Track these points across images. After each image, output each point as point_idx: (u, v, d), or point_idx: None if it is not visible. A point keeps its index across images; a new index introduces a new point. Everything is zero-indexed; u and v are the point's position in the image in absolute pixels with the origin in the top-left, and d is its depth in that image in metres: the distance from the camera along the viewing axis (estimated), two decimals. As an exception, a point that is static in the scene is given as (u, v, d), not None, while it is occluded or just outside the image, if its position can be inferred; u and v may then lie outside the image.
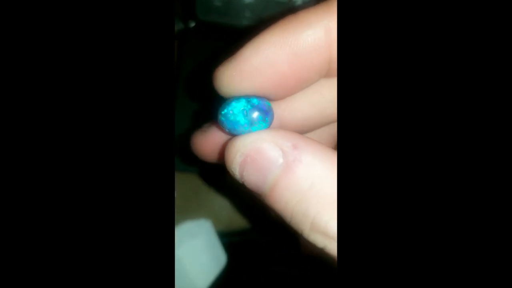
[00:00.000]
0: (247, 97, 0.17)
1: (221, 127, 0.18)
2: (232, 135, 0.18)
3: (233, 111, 0.17)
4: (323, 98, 0.20)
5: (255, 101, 0.17)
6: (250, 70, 0.17)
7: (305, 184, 0.15)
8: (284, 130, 0.16)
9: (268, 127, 0.18)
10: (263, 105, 0.17)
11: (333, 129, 0.23)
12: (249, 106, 0.17)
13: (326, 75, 0.18)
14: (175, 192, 0.37)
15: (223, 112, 0.17)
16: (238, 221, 0.39)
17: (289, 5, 0.33)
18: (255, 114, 0.17)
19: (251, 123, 0.17)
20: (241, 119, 0.17)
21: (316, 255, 0.27)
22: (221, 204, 0.39)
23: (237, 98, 0.18)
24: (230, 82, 0.17)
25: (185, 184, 0.39)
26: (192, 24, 0.36)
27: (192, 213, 0.38)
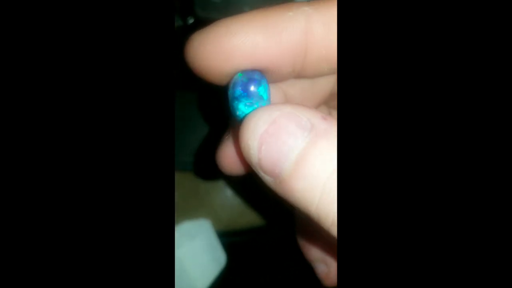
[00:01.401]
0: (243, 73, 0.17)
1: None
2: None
3: (233, 90, 0.16)
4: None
5: (247, 73, 0.17)
6: (225, 43, 0.16)
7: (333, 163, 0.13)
8: (307, 106, 0.15)
9: (268, 95, 0.17)
10: (253, 73, 0.17)
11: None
12: (244, 79, 0.16)
13: (298, 75, 0.18)
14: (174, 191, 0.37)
15: (235, 104, 0.17)
16: (237, 221, 0.39)
17: (287, 1, 0.33)
18: (251, 84, 0.16)
19: (249, 94, 0.16)
20: (239, 92, 0.16)
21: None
22: (221, 204, 0.39)
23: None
24: (205, 53, 0.16)
25: (184, 184, 0.39)
26: (191, 21, 0.36)
27: (191, 213, 0.38)
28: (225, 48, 0.16)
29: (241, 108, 0.16)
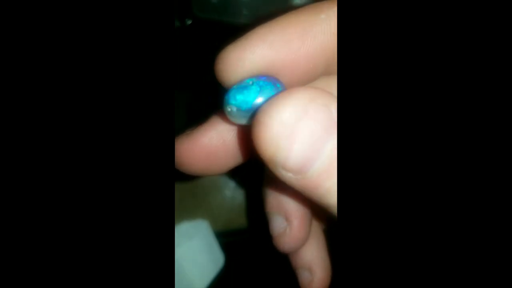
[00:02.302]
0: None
1: (225, 118, 0.16)
2: (242, 123, 0.16)
3: (241, 88, 0.15)
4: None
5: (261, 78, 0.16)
6: (257, 52, 0.16)
7: None
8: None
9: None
10: (269, 77, 0.16)
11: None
12: (257, 80, 0.16)
13: (326, 72, 0.18)
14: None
15: (230, 94, 0.15)
16: (235, 221, 0.39)
17: (287, 2, 0.33)
18: (266, 86, 0.15)
19: (262, 92, 0.15)
20: (252, 92, 0.15)
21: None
22: (219, 204, 0.39)
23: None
24: (235, 67, 0.16)
25: (182, 184, 0.39)
26: (189, 22, 0.36)
27: (189, 214, 0.38)
28: (263, 60, 0.16)
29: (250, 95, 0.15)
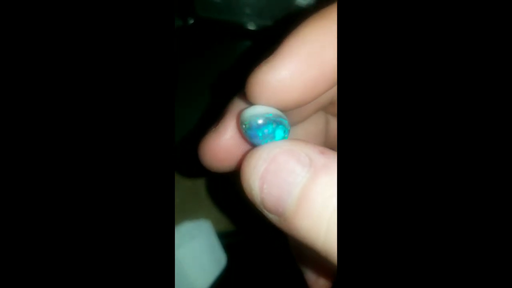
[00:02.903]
0: (267, 110, 0.16)
1: (240, 130, 0.17)
2: (252, 144, 0.17)
3: (255, 123, 0.16)
4: None
5: (276, 114, 0.16)
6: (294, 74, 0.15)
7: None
8: (305, 141, 0.15)
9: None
10: (283, 119, 0.16)
11: (320, 123, 0.22)
12: (271, 121, 0.16)
13: None
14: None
15: (246, 122, 0.16)
16: (238, 221, 0.39)
17: (291, 2, 0.33)
18: (277, 129, 0.16)
19: (272, 136, 0.16)
20: (262, 132, 0.16)
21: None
22: (221, 204, 0.39)
23: (256, 108, 0.17)
24: (268, 90, 0.16)
25: (183, 184, 0.39)
26: (191, 21, 0.36)
27: (191, 213, 0.38)
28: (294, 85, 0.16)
29: (259, 140, 0.16)
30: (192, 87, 0.36)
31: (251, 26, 0.34)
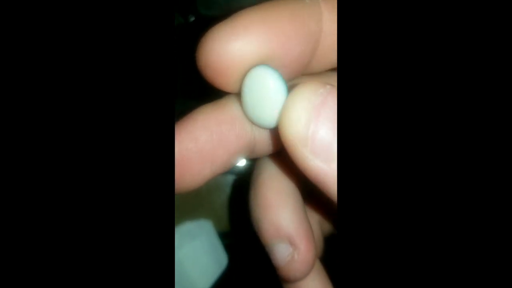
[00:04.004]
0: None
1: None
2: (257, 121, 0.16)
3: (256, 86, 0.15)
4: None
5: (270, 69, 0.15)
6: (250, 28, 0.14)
7: None
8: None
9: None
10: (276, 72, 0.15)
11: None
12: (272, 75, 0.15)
13: (305, 70, 0.17)
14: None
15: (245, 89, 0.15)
16: (239, 221, 0.39)
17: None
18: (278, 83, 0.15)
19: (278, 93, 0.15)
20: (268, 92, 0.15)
21: None
22: (222, 204, 0.39)
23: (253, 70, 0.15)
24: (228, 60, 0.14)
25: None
26: (192, 19, 0.36)
27: (192, 213, 0.37)
28: (258, 48, 0.15)
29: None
30: (193, 85, 0.36)
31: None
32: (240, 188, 0.39)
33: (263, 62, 0.15)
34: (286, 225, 0.19)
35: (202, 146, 0.16)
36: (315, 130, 0.13)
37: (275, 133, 0.15)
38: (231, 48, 0.14)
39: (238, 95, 0.16)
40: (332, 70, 0.18)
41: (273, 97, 0.15)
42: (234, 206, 0.39)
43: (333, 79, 0.18)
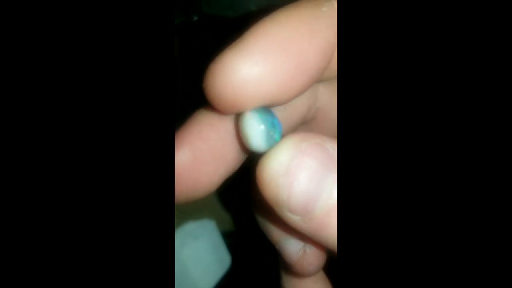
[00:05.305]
0: (259, 111, 0.15)
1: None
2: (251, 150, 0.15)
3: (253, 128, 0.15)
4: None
5: (268, 114, 0.15)
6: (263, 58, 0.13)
7: None
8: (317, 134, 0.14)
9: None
10: (274, 116, 0.15)
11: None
12: (268, 120, 0.15)
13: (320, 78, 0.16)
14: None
15: (245, 129, 0.15)
16: (242, 221, 0.39)
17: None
18: (273, 129, 0.15)
19: (270, 139, 0.15)
20: (263, 137, 0.14)
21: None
22: (225, 204, 0.39)
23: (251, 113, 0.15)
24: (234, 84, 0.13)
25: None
26: (196, 18, 0.36)
27: (195, 213, 0.37)
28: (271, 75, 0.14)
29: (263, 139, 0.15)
30: (196, 84, 0.36)
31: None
32: (243, 188, 0.39)
33: (278, 89, 0.14)
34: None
35: (214, 145, 0.15)
36: (291, 192, 0.13)
37: None
38: (249, 77, 0.13)
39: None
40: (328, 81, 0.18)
41: (261, 146, 0.15)
42: (237, 206, 0.39)
43: (329, 90, 0.18)
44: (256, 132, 0.14)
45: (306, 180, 0.13)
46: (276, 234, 0.20)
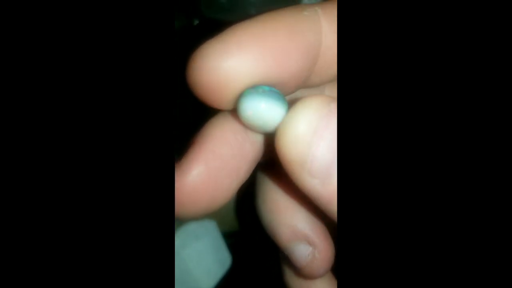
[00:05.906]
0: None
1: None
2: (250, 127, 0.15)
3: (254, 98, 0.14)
4: None
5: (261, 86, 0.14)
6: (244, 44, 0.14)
7: None
8: None
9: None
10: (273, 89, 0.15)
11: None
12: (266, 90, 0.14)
13: (304, 84, 0.16)
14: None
15: (245, 101, 0.14)
16: (243, 221, 0.39)
17: (295, 2, 0.33)
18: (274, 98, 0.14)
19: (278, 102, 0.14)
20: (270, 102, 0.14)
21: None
22: (226, 204, 0.39)
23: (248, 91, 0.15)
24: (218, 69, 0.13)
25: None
26: (196, 22, 0.36)
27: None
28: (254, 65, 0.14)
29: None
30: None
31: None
32: (244, 189, 0.39)
33: (258, 80, 0.15)
34: (302, 226, 0.19)
35: (227, 162, 0.15)
36: (316, 152, 0.13)
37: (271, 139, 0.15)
38: (223, 66, 0.14)
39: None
40: (332, 82, 0.18)
41: (270, 119, 0.14)
42: (239, 206, 0.39)
43: (333, 91, 0.18)
44: (253, 97, 0.14)
45: (332, 141, 0.13)
46: (285, 239, 0.20)
